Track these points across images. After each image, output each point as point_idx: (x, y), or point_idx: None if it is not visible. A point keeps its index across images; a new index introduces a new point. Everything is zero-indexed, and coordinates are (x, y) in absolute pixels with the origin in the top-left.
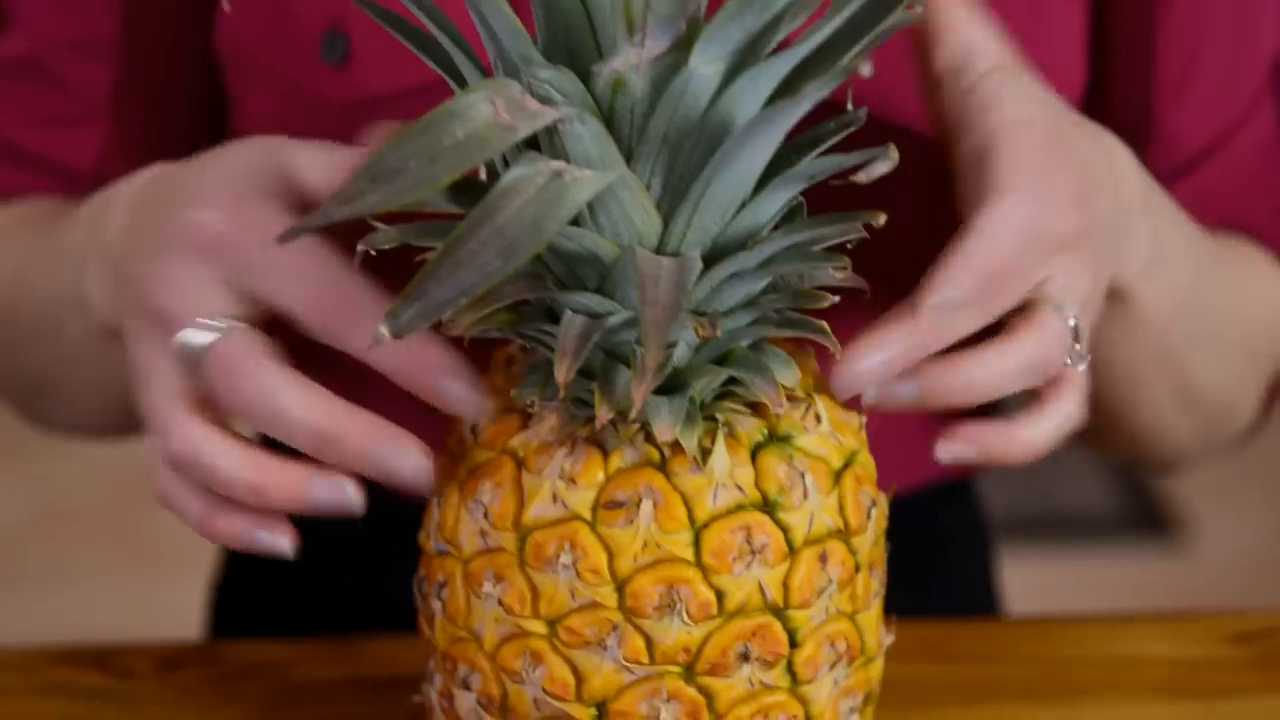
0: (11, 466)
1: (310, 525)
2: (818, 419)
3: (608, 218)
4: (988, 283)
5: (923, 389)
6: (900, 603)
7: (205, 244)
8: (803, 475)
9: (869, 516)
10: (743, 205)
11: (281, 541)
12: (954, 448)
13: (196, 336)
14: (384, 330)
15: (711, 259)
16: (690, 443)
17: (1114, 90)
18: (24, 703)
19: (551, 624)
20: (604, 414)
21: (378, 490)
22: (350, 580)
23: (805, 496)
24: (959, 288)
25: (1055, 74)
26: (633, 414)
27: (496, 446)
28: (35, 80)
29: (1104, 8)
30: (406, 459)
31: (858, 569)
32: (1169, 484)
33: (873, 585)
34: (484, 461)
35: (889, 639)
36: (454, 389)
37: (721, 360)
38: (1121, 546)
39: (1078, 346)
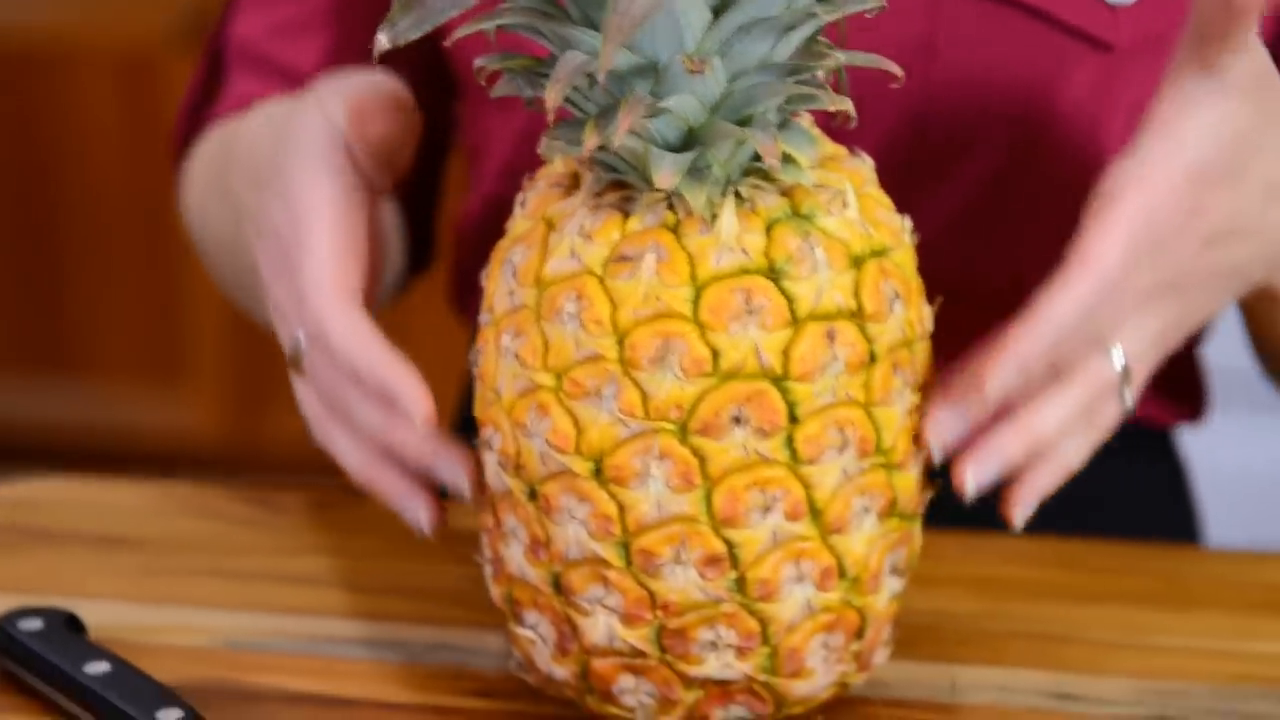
0: None
1: None
2: (844, 205)
3: None
4: (1046, 360)
5: (1003, 460)
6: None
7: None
8: (814, 249)
9: (891, 309)
10: None
11: (422, 515)
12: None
13: None
14: (382, 38)
15: (721, 8)
16: (698, 201)
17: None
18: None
19: (559, 376)
20: (591, 141)
21: None
22: None
23: (815, 270)
24: (1014, 373)
25: None
26: (616, 140)
27: (536, 216)
28: None
29: None
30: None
31: (874, 359)
32: None
33: (895, 384)
34: (522, 231)
35: (928, 493)
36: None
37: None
38: None
39: (1126, 388)
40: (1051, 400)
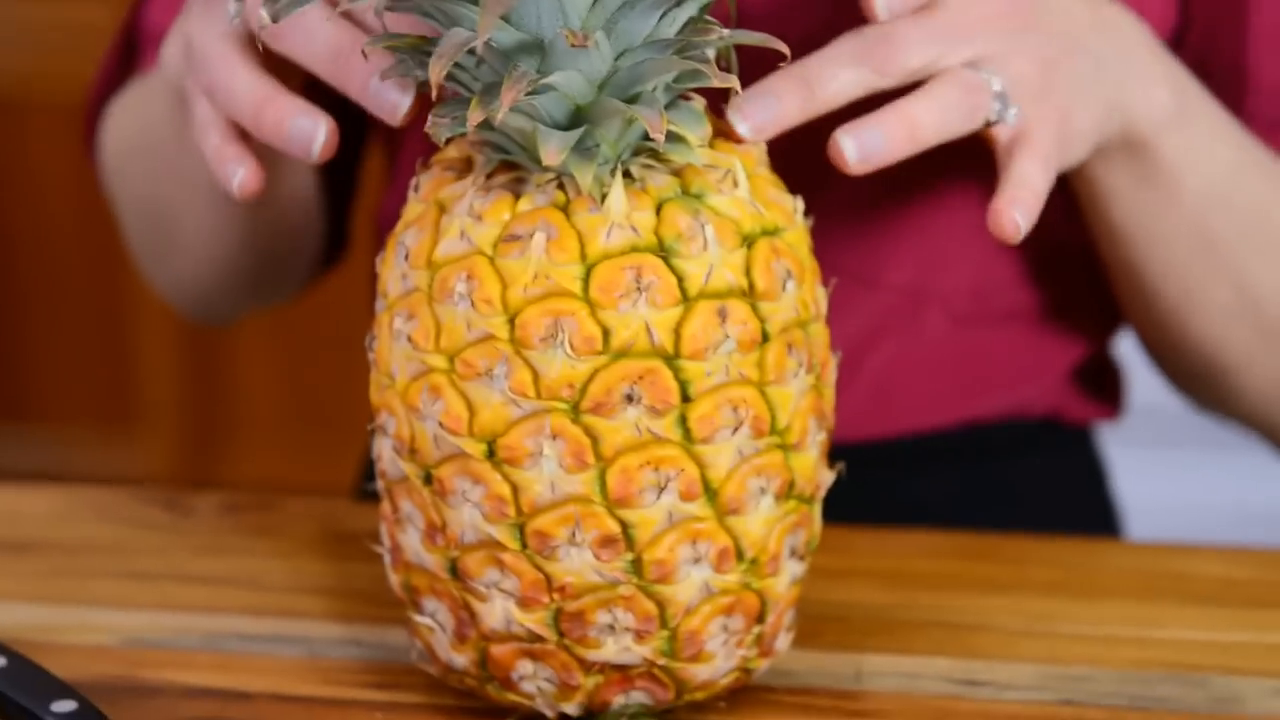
0: None
1: None
2: (735, 184)
3: None
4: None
5: (884, 135)
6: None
7: None
8: (704, 227)
9: (783, 288)
10: None
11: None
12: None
13: None
14: (264, 14)
15: None
16: (586, 179)
17: (1204, 35)
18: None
19: (451, 358)
20: (475, 117)
21: None
22: None
23: (705, 248)
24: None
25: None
26: (498, 116)
27: (429, 200)
28: None
29: None
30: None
31: (767, 338)
32: None
33: (790, 364)
34: (415, 215)
35: (829, 476)
36: (380, 86)
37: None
38: None
39: (1007, 107)
40: (924, 94)
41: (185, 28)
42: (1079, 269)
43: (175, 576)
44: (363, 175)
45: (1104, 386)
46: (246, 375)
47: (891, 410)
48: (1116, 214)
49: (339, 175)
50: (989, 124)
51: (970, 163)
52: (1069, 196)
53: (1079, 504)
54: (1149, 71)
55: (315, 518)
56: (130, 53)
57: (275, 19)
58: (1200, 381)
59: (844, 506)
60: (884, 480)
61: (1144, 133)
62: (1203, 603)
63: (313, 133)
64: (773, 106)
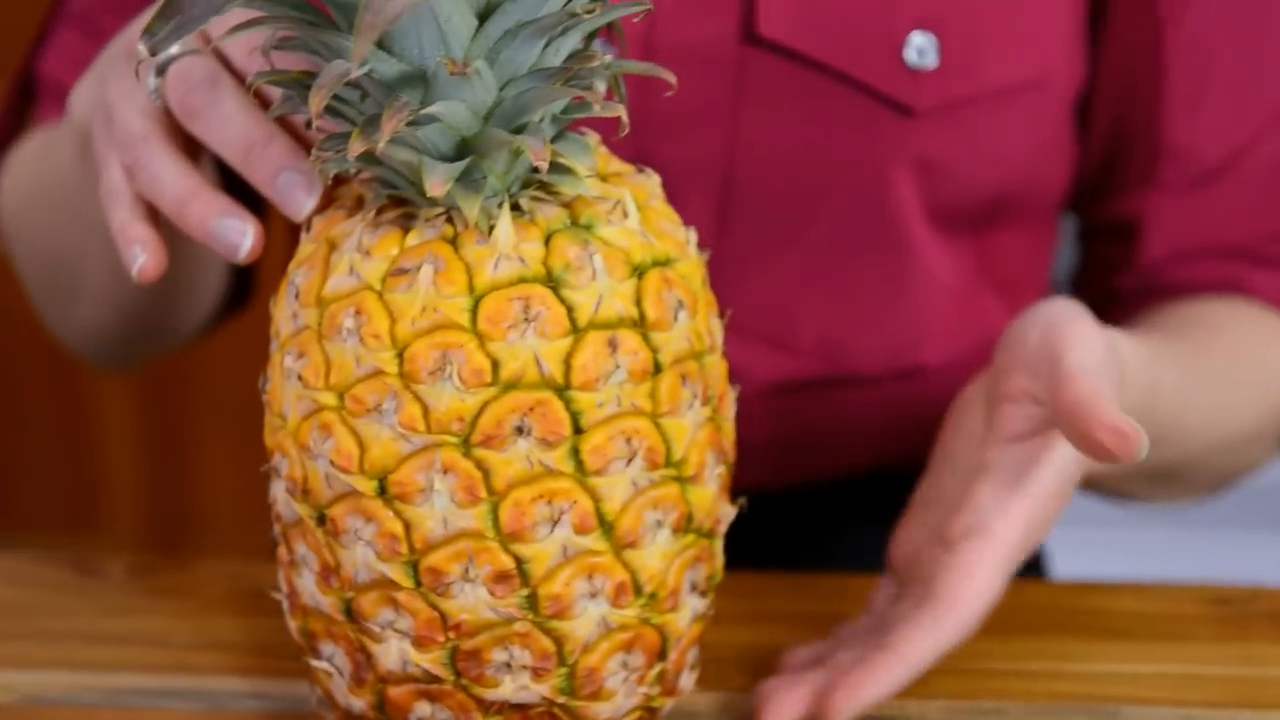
0: None
1: None
2: (625, 215)
3: None
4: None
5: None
6: None
7: None
8: (593, 257)
9: (675, 319)
10: None
11: (249, 233)
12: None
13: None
14: (141, 48)
15: (486, 13)
16: (472, 211)
17: (1118, 96)
18: None
19: (341, 395)
20: (355, 148)
21: None
22: None
23: (594, 278)
24: (864, 707)
25: (1033, 65)
26: (379, 146)
27: (320, 238)
28: (86, 32)
29: (1103, 18)
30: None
31: (659, 368)
32: None
33: (684, 396)
34: (306, 254)
35: (730, 511)
36: (287, 182)
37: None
38: None
39: None
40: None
41: (104, 93)
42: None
43: (80, 636)
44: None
45: None
46: (210, 477)
47: (814, 456)
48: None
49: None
50: None
51: (855, 225)
52: None
53: None
54: None
55: (226, 577)
56: (25, 101)
57: (154, 53)
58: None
59: (771, 553)
60: (808, 527)
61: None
62: (1116, 637)
63: (240, 234)
64: None
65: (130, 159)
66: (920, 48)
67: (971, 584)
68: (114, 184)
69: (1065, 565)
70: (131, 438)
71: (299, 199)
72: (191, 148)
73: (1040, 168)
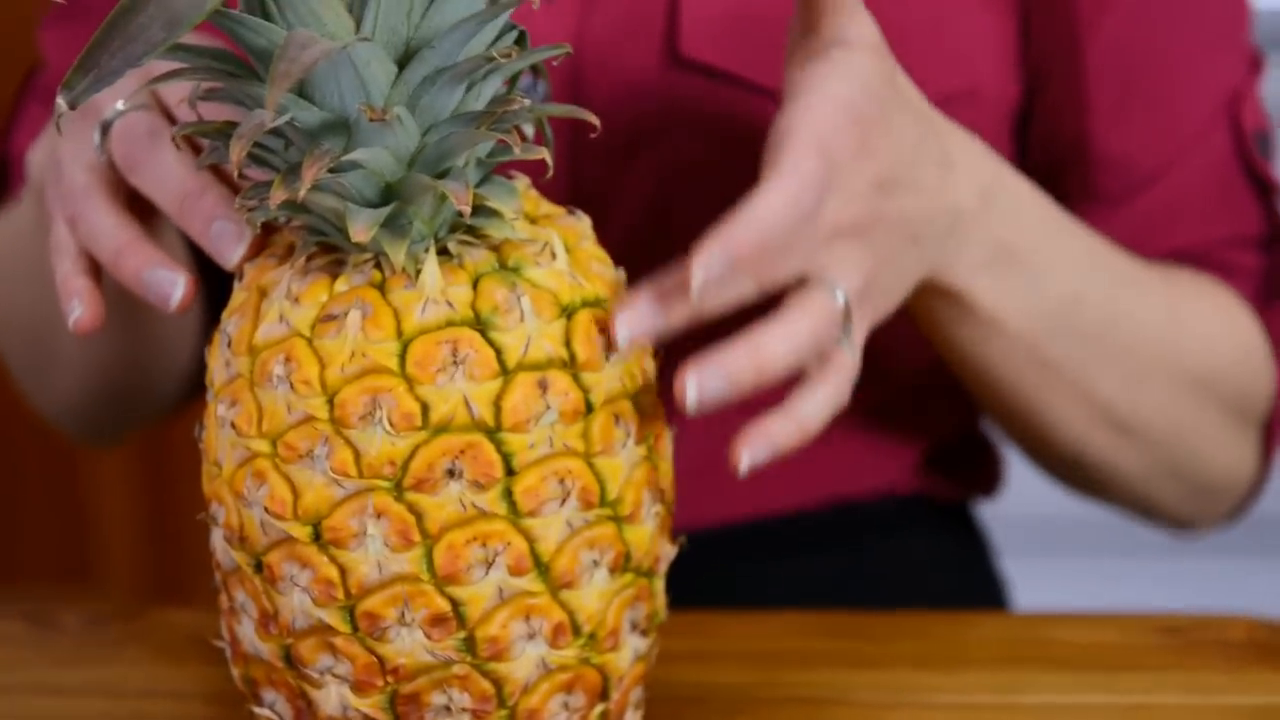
0: None
1: None
2: (553, 256)
3: (296, 16)
4: (753, 259)
5: (728, 376)
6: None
7: None
8: (520, 299)
9: (607, 359)
10: (430, 4)
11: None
12: (751, 452)
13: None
14: (60, 101)
15: (404, 60)
16: (399, 256)
17: (1048, 108)
18: None
19: (273, 442)
20: (277, 196)
21: None
22: None
23: (522, 319)
24: (721, 262)
25: (960, 77)
26: (300, 193)
27: (251, 286)
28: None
29: (1029, 25)
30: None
31: (591, 408)
32: None
33: (618, 435)
34: (238, 303)
35: (670, 550)
36: (218, 231)
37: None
38: None
39: (849, 326)
40: (778, 324)
41: (55, 147)
42: (922, 374)
43: (30, 688)
44: None
45: (977, 468)
46: (206, 529)
47: (761, 492)
48: (940, 340)
49: (220, 285)
50: None
51: None
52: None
53: (960, 580)
54: (967, 227)
55: (182, 626)
56: (3, 182)
57: (73, 106)
58: (1070, 473)
59: (716, 592)
60: (757, 563)
61: (953, 283)
62: (1066, 668)
63: (171, 285)
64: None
65: (71, 212)
66: None
67: (792, 156)
68: (59, 238)
69: (1027, 597)
70: (127, 491)
71: (230, 248)
72: (141, 202)
73: None
